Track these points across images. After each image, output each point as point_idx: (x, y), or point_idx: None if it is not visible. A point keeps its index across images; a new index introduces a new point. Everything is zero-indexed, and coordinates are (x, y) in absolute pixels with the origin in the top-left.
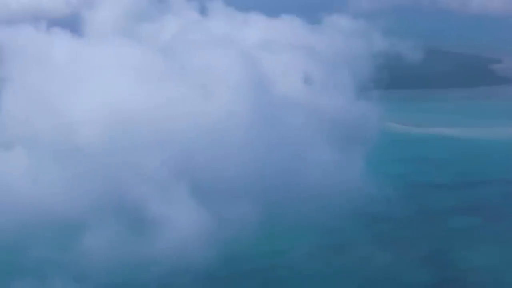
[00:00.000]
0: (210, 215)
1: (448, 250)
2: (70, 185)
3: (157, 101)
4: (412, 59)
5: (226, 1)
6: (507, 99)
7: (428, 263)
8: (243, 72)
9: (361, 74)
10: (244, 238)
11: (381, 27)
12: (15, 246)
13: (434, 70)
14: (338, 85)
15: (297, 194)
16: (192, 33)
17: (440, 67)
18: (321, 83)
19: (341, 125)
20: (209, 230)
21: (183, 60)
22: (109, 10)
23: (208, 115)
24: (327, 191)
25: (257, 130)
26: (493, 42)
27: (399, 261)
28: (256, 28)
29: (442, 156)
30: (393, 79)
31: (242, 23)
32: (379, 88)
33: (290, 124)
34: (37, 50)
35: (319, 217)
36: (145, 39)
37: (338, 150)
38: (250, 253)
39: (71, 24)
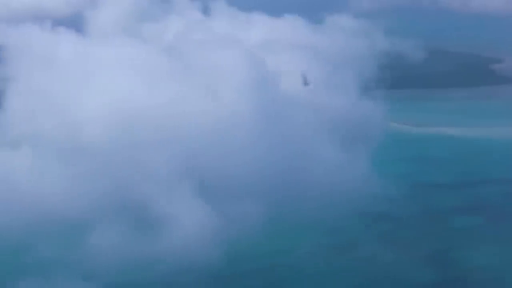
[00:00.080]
0: (214, 213)
1: (450, 249)
2: (75, 183)
3: (161, 100)
4: (413, 59)
5: (229, 1)
6: (508, 99)
7: (430, 262)
8: (247, 72)
9: (363, 73)
10: (247, 236)
11: (382, 26)
12: (20, 245)
13: (435, 70)
14: (340, 85)
15: (300, 193)
16: (195, 33)
17: (441, 66)
18: (323, 83)
19: (343, 125)
20: (213, 229)
21: (186, 60)
22: (112, 10)
23: (212, 114)
24: (329, 190)
25: (261, 129)
26: (494, 42)
27: (401, 260)
28: (259, 28)
29: (443, 155)
30: (394, 78)
31: (244, 23)
32: (381, 87)
33: (292, 124)
34: (42, 49)
35: (321, 216)
36: (149, 39)
37: (341, 149)
38: (254, 252)
39: (73, 24)
